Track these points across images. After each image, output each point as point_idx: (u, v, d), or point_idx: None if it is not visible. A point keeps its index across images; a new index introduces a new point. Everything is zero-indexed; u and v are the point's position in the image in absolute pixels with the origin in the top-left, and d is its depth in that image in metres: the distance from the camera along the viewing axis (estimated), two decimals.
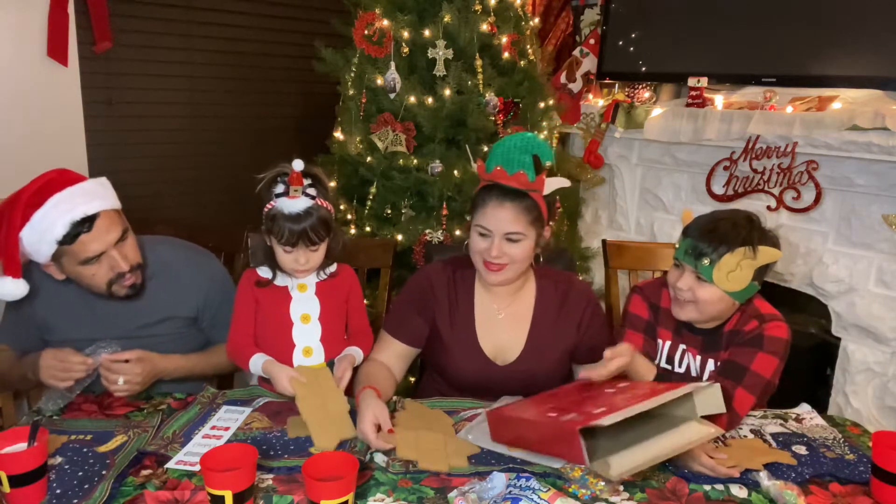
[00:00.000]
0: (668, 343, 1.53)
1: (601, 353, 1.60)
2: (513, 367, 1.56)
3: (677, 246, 1.44)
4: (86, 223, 1.39)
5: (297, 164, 1.41)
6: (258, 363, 1.46)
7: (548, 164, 1.44)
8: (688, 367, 1.52)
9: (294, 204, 1.41)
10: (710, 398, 1.17)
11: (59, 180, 1.40)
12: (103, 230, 1.42)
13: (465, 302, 1.60)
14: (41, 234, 1.36)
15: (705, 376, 1.49)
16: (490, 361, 1.56)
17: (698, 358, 1.50)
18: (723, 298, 1.39)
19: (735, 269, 1.35)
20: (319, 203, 1.45)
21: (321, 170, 1.51)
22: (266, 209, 1.45)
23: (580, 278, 1.71)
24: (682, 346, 1.52)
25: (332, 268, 1.56)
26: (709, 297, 1.39)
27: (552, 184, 1.49)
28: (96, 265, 1.42)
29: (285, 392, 1.39)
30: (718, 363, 1.47)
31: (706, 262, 1.36)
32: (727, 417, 1.27)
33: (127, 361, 1.40)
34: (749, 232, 1.36)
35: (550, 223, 1.56)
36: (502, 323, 1.59)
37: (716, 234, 1.37)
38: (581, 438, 1.03)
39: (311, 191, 1.43)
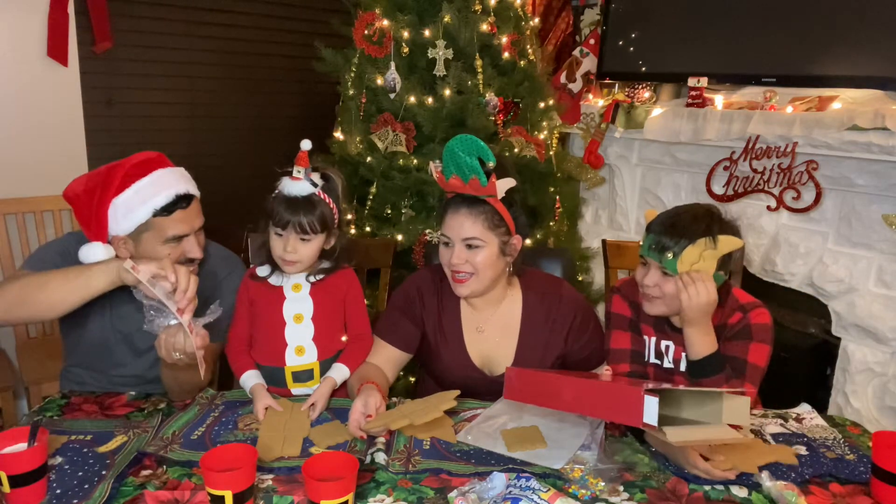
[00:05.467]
0: (652, 339, 1.56)
1: (596, 360, 1.63)
2: (502, 379, 1.56)
3: (641, 243, 1.48)
4: (185, 200, 1.47)
5: (305, 144, 1.43)
6: (248, 383, 1.47)
7: (490, 164, 1.41)
8: (677, 363, 1.52)
9: (294, 185, 1.44)
10: (739, 409, 1.20)
11: (160, 161, 1.50)
12: (195, 213, 1.50)
13: (452, 311, 1.61)
14: (142, 200, 1.42)
15: None
16: (479, 371, 1.58)
17: (684, 351, 1.50)
18: None
19: (698, 261, 1.38)
20: (322, 197, 1.46)
21: (336, 171, 1.53)
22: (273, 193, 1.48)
23: (568, 284, 1.72)
24: (665, 343, 1.54)
25: (329, 267, 1.56)
26: (675, 290, 1.40)
27: (503, 185, 1.45)
28: (174, 247, 1.47)
29: (257, 415, 1.39)
30: None
31: (669, 255, 1.39)
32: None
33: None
34: (709, 223, 1.39)
35: (521, 233, 1.54)
36: (488, 335, 1.60)
37: (676, 227, 1.40)
38: (647, 398, 1.06)
39: (317, 179, 1.46)
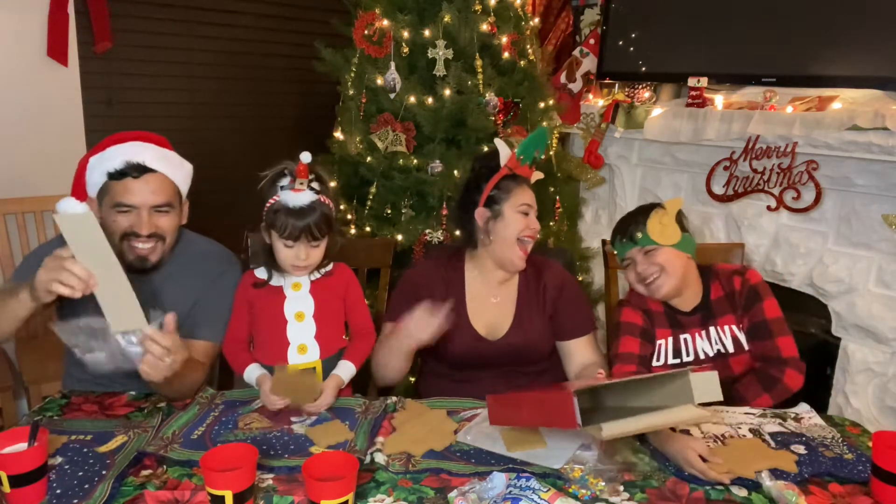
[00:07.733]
0: (670, 339, 1.66)
1: (580, 325, 1.72)
2: (503, 341, 1.67)
3: (616, 253, 1.70)
4: (138, 170, 1.43)
5: (305, 157, 1.42)
6: (252, 375, 1.48)
7: (542, 157, 1.70)
8: (696, 353, 1.63)
9: (298, 197, 1.43)
10: (708, 386, 1.18)
11: (157, 140, 1.52)
12: (149, 189, 1.45)
13: (457, 289, 1.71)
14: (102, 162, 1.44)
15: (713, 345, 1.63)
16: (482, 338, 1.68)
17: (703, 333, 1.64)
18: (678, 255, 1.61)
19: (662, 226, 1.61)
20: (322, 199, 1.47)
21: (322, 168, 1.53)
22: (269, 204, 1.46)
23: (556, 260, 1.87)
24: (683, 336, 1.64)
25: (328, 266, 1.58)
26: (666, 258, 1.60)
27: (536, 175, 1.73)
28: (124, 216, 1.45)
29: (268, 406, 1.39)
30: (724, 327, 1.63)
31: (639, 234, 1.62)
32: (788, 367, 1.55)
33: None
34: (651, 204, 1.67)
35: None
36: (491, 305, 1.71)
37: (629, 218, 1.67)
38: (575, 401, 1.07)
39: (315, 185, 1.46)
